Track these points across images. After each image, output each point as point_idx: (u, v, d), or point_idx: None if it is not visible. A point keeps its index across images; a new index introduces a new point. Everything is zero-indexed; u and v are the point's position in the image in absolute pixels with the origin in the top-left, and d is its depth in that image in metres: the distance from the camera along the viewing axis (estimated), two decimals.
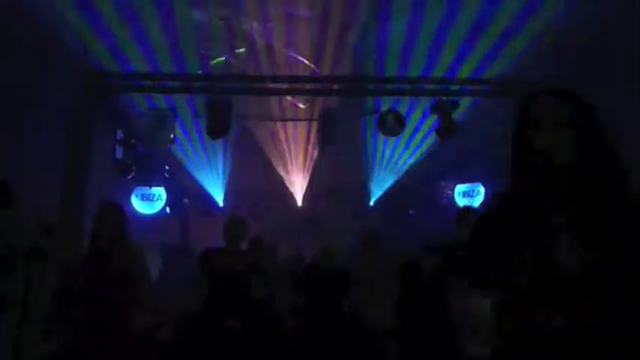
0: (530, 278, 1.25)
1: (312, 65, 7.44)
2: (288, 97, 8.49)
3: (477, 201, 9.63)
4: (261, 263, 4.59)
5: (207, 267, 4.05)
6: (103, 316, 3.18)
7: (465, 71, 7.35)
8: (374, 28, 6.64)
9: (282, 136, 10.06)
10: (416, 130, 8.82)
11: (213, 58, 7.29)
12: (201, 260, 4.16)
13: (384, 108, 7.83)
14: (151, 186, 9.67)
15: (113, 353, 3.13)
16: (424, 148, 9.61)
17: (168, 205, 10.48)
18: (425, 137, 9.06)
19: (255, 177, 11.29)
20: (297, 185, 11.80)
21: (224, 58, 7.23)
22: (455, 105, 7.48)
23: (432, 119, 7.91)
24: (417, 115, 8.33)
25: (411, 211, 11.04)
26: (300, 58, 7.32)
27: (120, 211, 3.54)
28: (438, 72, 7.36)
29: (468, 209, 4.71)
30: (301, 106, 8.38)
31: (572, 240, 1.25)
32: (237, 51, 7.14)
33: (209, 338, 3.86)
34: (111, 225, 3.36)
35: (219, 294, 3.91)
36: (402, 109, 7.83)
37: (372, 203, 11.93)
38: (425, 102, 7.84)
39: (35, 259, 2.56)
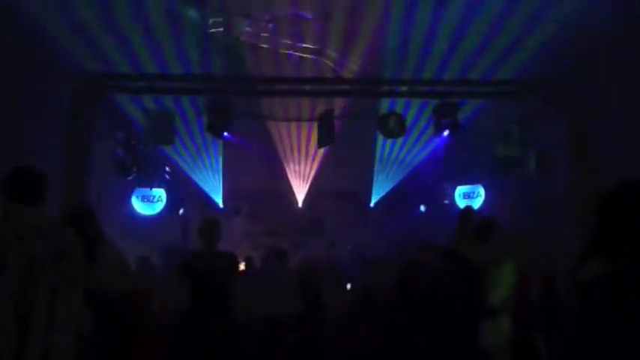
0: None
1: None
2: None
3: (477, 202, 9.60)
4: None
5: (189, 271, 4.30)
6: None
7: (465, 73, 7.34)
8: (377, 30, 6.63)
9: (282, 137, 10.06)
10: (416, 131, 8.81)
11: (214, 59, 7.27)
12: (182, 265, 4.43)
13: (386, 109, 7.83)
14: (151, 187, 9.66)
15: None
16: (425, 149, 9.61)
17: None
18: (426, 139, 9.05)
19: (255, 178, 11.29)
20: (297, 186, 11.81)
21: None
22: (457, 107, 7.46)
23: (431, 120, 7.89)
24: (418, 116, 8.32)
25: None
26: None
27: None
28: (439, 74, 7.34)
29: (468, 211, 4.73)
30: None
31: None
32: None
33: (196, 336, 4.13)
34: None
35: (201, 296, 4.19)
36: (403, 110, 7.83)
37: (372, 204, 11.93)
38: (426, 103, 7.83)
39: (63, 262, 2.45)
